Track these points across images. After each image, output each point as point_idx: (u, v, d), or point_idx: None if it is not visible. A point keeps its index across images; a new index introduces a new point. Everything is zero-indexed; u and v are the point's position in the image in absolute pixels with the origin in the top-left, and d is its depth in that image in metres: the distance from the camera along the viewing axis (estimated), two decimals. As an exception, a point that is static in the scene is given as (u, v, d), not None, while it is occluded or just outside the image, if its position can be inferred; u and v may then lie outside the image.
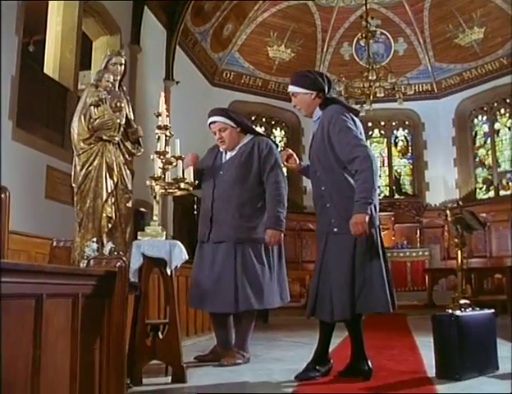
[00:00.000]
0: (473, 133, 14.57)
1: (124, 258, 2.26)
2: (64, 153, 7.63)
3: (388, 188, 15.23)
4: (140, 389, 3.00)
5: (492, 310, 3.53)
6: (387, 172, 15.32)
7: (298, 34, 14.33)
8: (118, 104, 3.43)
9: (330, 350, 3.46)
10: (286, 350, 4.66)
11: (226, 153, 4.11)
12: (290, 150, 3.59)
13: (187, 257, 3.36)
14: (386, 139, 15.49)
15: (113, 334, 2.19)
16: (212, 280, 3.87)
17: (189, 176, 3.37)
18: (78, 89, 8.34)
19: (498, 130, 14.13)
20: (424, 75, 14.69)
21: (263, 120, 14.84)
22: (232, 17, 13.23)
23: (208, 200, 4.01)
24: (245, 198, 3.93)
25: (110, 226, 3.33)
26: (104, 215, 3.32)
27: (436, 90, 14.79)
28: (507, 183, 13.79)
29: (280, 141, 15.10)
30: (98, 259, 2.27)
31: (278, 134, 15.14)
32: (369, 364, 3.24)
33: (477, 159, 14.45)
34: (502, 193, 13.79)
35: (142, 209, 8.72)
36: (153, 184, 3.26)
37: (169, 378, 3.25)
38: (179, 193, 3.42)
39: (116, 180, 3.38)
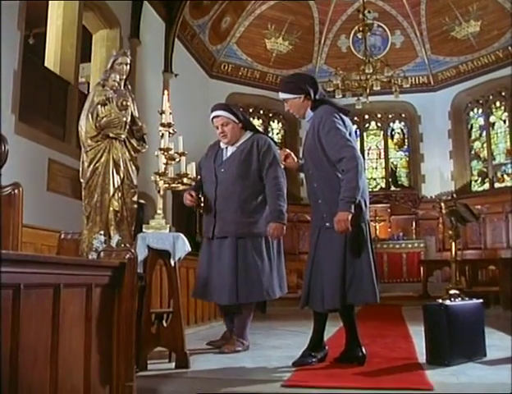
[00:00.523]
0: (469, 126, 14.67)
1: (132, 250, 2.40)
2: (65, 147, 7.77)
3: (384, 180, 15.36)
4: (146, 374, 3.15)
5: (481, 300, 3.70)
6: (384, 165, 15.44)
7: (295, 27, 14.41)
8: (124, 103, 3.56)
9: (326, 338, 3.63)
10: (284, 339, 4.82)
11: (226, 150, 4.24)
12: (288, 150, 3.73)
13: (190, 249, 3.51)
14: (382, 132, 15.59)
15: (123, 321, 2.33)
16: (214, 273, 4.03)
17: (192, 171, 3.52)
18: (78, 83, 8.47)
19: (493, 123, 14.24)
20: (421, 67, 14.78)
21: (261, 112, 14.94)
22: (230, 10, 13.30)
23: (211, 198, 4.14)
24: (246, 194, 4.07)
25: (117, 219, 3.47)
26: (111, 209, 3.47)
27: (432, 83, 14.89)
28: (502, 176, 13.93)
29: (277, 133, 15.22)
30: (108, 251, 2.41)
31: (276, 126, 15.25)
32: (363, 350, 3.40)
33: (473, 152, 14.56)
34: (497, 185, 13.92)
35: (141, 201, 8.85)
36: (158, 179, 3.42)
37: (173, 364, 3.41)
38: (182, 187, 3.57)
39: (122, 175, 3.53)
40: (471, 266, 10.07)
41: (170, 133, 3.54)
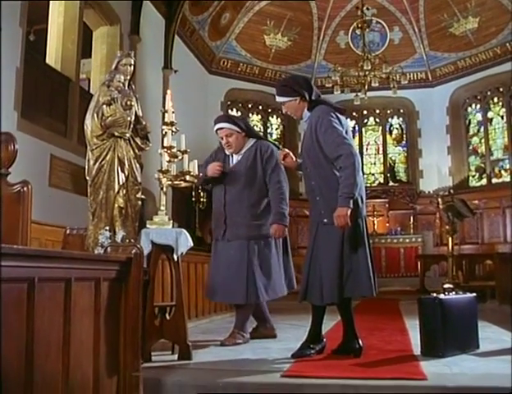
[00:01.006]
0: (467, 121, 14.77)
1: (139, 246, 2.51)
2: (67, 143, 7.86)
3: (383, 175, 15.45)
4: (150, 365, 3.26)
5: (474, 294, 3.80)
6: (382, 160, 15.54)
7: (294, 23, 14.47)
8: (128, 103, 3.66)
9: (324, 331, 3.73)
10: (283, 332, 4.92)
11: (232, 157, 4.43)
12: (286, 150, 3.85)
13: (192, 244, 3.62)
14: (380, 127, 15.68)
15: (129, 314, 2.44)
16: (226, 274, 4.22)
17: (194, 168, 3.62)
18: (79, 79, 8.55)
19: (491, 119, 14.33)
20: (419, 63, 14.86)
21: (260, 107, 15.01)
22: (230, 6, 13.36)
23: (219, 204, 4.36)
24: (254, 199, 4.28)
25: (121, 215, 3.58)
26: (116, 205, 3.57)
27: (430, 79, 14.97)
28: (499, 171, 14.04)
29: (276, 129, 15.31)
30: (115, 246, 2.51)
31: (275, 121, 15.33)
32: (360, 342, 3.51)
33: (471, 147, 14.66)
34: (494, 181, 14.03)
35: (142, 197, 8.95)
36: (161, 176, 3.52)
37: (175, 356, 3.52)
38: (184, 185, 3.67)
39: (127, 173, 3.63)
40: (468, 260, 10.18)
41: (173, 131, 3.63)
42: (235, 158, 4.41)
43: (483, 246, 13.27)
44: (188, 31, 12.31)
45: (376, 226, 13.84)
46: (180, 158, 3.59)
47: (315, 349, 3.53)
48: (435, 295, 3.55)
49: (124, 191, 3.60)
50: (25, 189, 2.68)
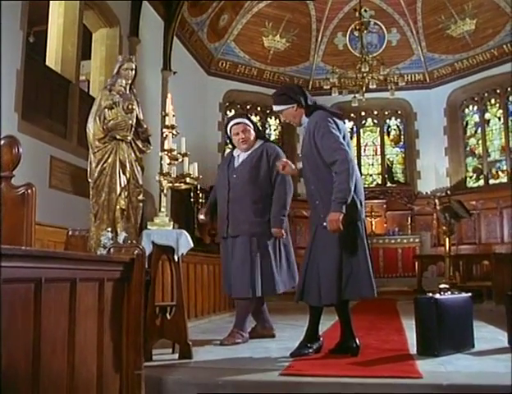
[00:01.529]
0: (464, 123, 14.83)
1: (141, 247, 2.57)
2: (67, 144, 7.91)
3: (380, 176, 15.51)
4: (151, 364, 3.32)
5: (469, 294, 3.87)
6: (380, 161, 15.60)
7: (293, 24, 14.52)
8: (130, 106, 3.72)
9: (321, 330, 3.80)
10: (282, 331, 4.98)
11: (238, 157, 4.55)
12: (285, 160, 3.96)
13: (192, 245, 3.69)
14: (378, 128, 15.73)
15: (132, 313, 2.50)
16: (231, 270, 4.36)
17: (194, 171, 3.68)
18: (79, 81, 8.60)
19: (488, 120, 14.38)
20: (417, 65, 14.92)
21: (258, 109, 15.05)
22: (228, 7, 13.41)
23: (223, 201, 4.47)
24: (257, 197, 4.38)
25: (123, 217, 3.64)
26: (118, 207, 3.64)
27: (428, 80, 15.03)
28: (496, 172, 14.10)
29: (275, 130, 15.36)
30: (118, 247, 2.57)
31: (273, 122, 15.38)
32: (357, 341, 3.58)
33: (468, 148, 14.71)
34: (492, 182, 14.08)
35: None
36: (162, 179, 3.58)
37: (176, 355, 3.58)
38: (184, 187, 3.74)
39: (128, 175, 3.70)
40: (465, 261, 10.24)
41: (173, 134, 3.69)
42: (241, 158, 4.53)
43: (480, 247, 13.32)
44: (187, 33, 12.37)
45: (374, 227, 13.91)
46: (180, 160, 3.66)
47: (313, 348, 3.60)
48: (430, 294, 3.61)
49: (125, 193, 3.67)
50: (29, 191, 2.73)
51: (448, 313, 3.53)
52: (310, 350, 3.57)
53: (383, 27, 14.64)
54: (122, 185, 3.65)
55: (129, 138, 3.73)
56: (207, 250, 8.15)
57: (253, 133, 4.52)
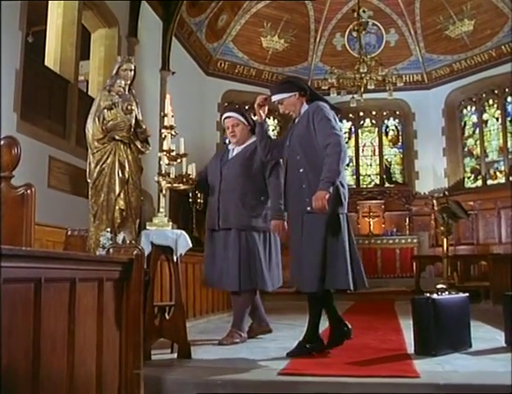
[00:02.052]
0: (462, 123, 14.85)
1: (140, 247, 2.58)
2: (65, 144, 7.92)
3: (379, 176, 15.53)
4: (150, 364, 3.32)
5: (467, 294, 3.89)
6: (378, 161, 15.61)
7: (291, 25, 14.54)
8: (129, 107, 3.73)
9: (321, 330, 3.81)
10: (279, 331, 4.99)
11: (232, 151, 4.53)
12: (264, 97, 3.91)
13: (191, 245, 3.70)
14: (377, 129, 15.76)
15: (131, 313, 2.51)
16: (219, 262, 4.31)
17: (193, 171, 3.70)
18: (78, 81, 8.61)
19: (486, 121, 14.41)
20: (415, 65, 14.96)
21: (257, 109, 15.04)
22: (227, 8, 13.44)
23: (215, 193, 4.42)
24: (248, 189, 4.33)
25: (122, 217, 3.66)
26: (117, 208, 3.65)
27: (426, 81, 15.06)
28: (494, 172, 14.14)
29: (273, 130, 15.36)
30: (117, 248, 2.58)
31: (271, 123, 15.38)
32: (347, 324, 3.64)
33: (466, 149, 14.74)
34: (490, 182, 14.12)
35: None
36: (160, 179, 3.60)
37: (174, 355, 3.60)
38: (183, 187, 3.75)
39: (127, 176, 3.71)
40: (463, 261, 10.27)
41: (172, 135, 3.71)
42: (235, 151, 4.51)
43: (478, 247, 13.34)
44: (185, 33, 12.39)
45: (372, 227, 13.93)
46: (178, 161, 3.67)
47: (311, 348, 3.61)
48: (428, 295, 3.63)
49: (124, 194, 3.68)
50: (29, 191, 2.75)
51: (445, 313, 3.55)
52: (308, 350, 3.59)
53: (381, 28, 14.67)
54: (121, 186, 3.67)
55: (128, 139, 3.75)
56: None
57: (245, 128, 4.47)
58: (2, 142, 2.72)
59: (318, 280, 3.47)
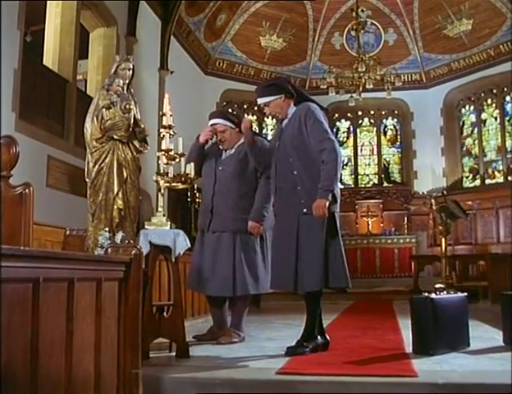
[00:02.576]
0: (461, 123, 14.86)
1: (138, 247, 2.58)
2: (64, 144, 7.92)
3: (377, 176, 15.54)
4: (149, 363, 3.33)
5: (465, 294, 3.89)
6: (376, 161, 15.62)
7: (290, 24, 14.54)
8: (127, 106, 3.74)
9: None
10: (278, 331, 5.00)
11: (225, 151, 4.47)
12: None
13: (189, 245, 3.70)
14: (375, 128, 15.76)
15: (129, 313, 2.51)
16: (211, 266, 4.24)
17: (191, 171, 3.70)
18: (77, 80, 8.61)
19: (485, 120, 14.42)
20: (413, 65, 14.96)
21: (255, 108, 15.04)
22: (225, 7, 13.43)
23: (208, 194, 4.37)
24: (243, 191, 4.29)
25: (121, 217, 3.66)
26: (115, 207, 3.65)
27: (424, 80, 15.07)
28: (493, 172, 14.15)
29: (271, 129, 15.37)
30: (116, 247, 2.59)
31: (270, 122, 15.39)
32: (327, 336, 3.71)
33: (465, 148, 14.76)
34: (488, 182, 14.12)
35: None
36: (159, 179, 3.59)
37: (173, 354, 3.60)
38: (181, 186, 3.75)
39: (125, 175, 3.71)
40: (461, 261, 10.29)
41: (170, 134, 3.71)
42: (229, 152, 4.44)
43: (477, 247, 13.35)
44: (184, 32, 12.38)
45: (370, 227, 13.94)
46: (177, 160, 3.67)
47: (308, 347, 3.62)
48: (426, 294, 3.64)
49: (123, 193, 3.68)
50: (27, 191, 2.75)
51: (444, 313, 3.56)
52: (306, 350, 3.59)
53: (380, 27, 14.68)
54: (119, 185, 3.67)
55: (126, 138, 3.75)
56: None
57: (233, 131, 4.38)
58: (1, 141, 2.72)
59: (321, 278, 3.48)
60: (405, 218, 14.26)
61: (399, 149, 15.61)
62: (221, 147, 4.47)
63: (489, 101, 14.33)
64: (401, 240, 13.82)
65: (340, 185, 3.78)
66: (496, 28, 13.29)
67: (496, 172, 14.06)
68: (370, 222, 13.95)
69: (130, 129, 3.78)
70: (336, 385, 2.81)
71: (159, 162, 3.63)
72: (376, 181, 15.52)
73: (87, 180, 3.66)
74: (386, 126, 15.76)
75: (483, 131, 14.41)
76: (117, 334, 2.47)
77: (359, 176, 15.61)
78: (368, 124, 15.84)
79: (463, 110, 14.86)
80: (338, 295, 7.98)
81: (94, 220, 3.61)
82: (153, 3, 10.79)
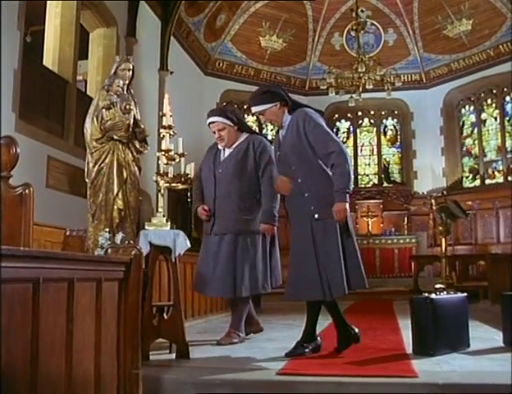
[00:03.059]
0: (461, 123, 14.87)
1: (138, 247, 2.58)
2: (64, 144, 7.92)
3: (377, 176, 15.55)
4: (149, 364, 3.33)
5: (465, 294, 3.89)
6: (376, 161, 15.63)
7: (290, 24, 14.55)
8: (127, 107, 3.74)
9: (320, 330, 3.82)
10: (278, 331, 5.00)
11: (224, 151, 4.42)
12: (281, 177, 3.76)
13: (189, 245, 3.70)
14: (375, 128, 15.77)
15: (129, 313, 2.51)
16: (214, 268, 4.24)
17: (191, 171, 3.70)
18: (76, 81, 8.61)
19: (485, 120, 14.43)
20: (413, 65, 14.97)
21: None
22: (225, 7, 13.43)
23: (209, 197, 4.34)
24: (243, 192, 4.27)
25: (121, 217, 3.66)
26: (115, 207, 3.65)
27: (424, 80, 15.08)
28: (493, 172, 14.15)
29: (271, 130, 15.37)
30: (116, 248, 2.59)
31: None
32: (354, 328, 3.70)
33: (464, 149, 14.77)
34: (488, 182, 14.13)
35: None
36: (159, 179, 3.60)
37: (173, 355, 3.60)
38: (181, 187, 3.75)
39: (125, 175, 3.71)
40: (461, 261, 10.28)
41: (170, 135, 3.71)
42: (227, 152, 4.39)
43: (477, 247, 13.35)
44: (184, 33, 12.38)
45: (370, 227, 13.94)
46: (177, 160, 3.67)
47: (308, 348, 3.61)
48: (426, 294, 3.64)
49: (123, 193, 3.68)
50: (27, 191, 2.74)
51: (444, 313, 3.55)
52: (306, 350, 3.58)
53: (380, 27, 14.69)
54: (120, 185, 3.67)
55: (126, 138, 3.75)
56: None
57: (231, 129, 4.33)
58: (1, 141, 2.72)
59: (344, 283, 3.46)
60: (405, 218, 14.27)
61: (399, 149, 15.62)
62: (219, 146, 4.43)
63: (489, 101, 14.34)
64: (401, 241, 13.82)
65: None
66: (496, 28, 13.30)
67: (496, 172, 14.07)
68: (370, 223, 13.95)
69: (130, 129, 3.78)
70: (336, 385, 2.81)
71: (159, 162, 3.64)
72: (376, 181, 15.53)
73: (87, 180, 3.66)
74: (386, 126, 15.77)
75: (483, 131, 14.41)
76: (117, 334, 2.47)
77: (359, 177, 15.62)
78: (368, 124, 15.85)
79: (463, 110, 14.86)
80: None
81: (94, 220, 3.61)
82: (153, 3, 10.80)
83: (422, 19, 14.23)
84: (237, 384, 2.88)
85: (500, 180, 13.77)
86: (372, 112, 15.62)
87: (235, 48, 14.37)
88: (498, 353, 3.58)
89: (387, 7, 14.34)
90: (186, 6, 11.96)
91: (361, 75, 11.93)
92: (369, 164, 15.75)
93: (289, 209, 3.75)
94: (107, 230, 3.45)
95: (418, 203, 14.18)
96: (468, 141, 14.74)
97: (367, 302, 8.94)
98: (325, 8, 14.45)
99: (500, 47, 13.35)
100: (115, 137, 3.67)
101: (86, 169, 3.69)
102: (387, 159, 15.68)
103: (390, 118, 15.73)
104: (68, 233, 3.73)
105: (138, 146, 3.86)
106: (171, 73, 11.24)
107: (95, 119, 3.63)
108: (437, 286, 3.83)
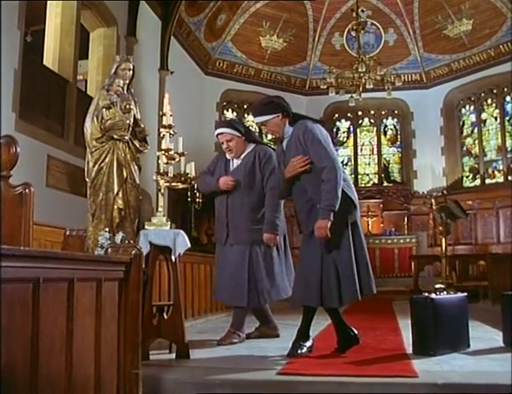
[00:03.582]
0: (461, 122, 14.86)
1: (138, 247, 2.58)
2: (64, 143, 7.92)
3: (377, 176, 15.53)
4: (149, 363, 3.32)
5: (465, 294, 3.89)
6: (376, 160, 15.62)
7: (290, 24, 14.54)
8: (127, 106, 3.74)
9: (317, 331, 3.83)
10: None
11: (232, 161, 4.48)
12: None
13: (189, 245, 3.70)
14: (375, 128, 15.75)
15: (129, 313, 2.51)
16: (228, 277, 4.32)
17: (191, 170, 3.70)
18: (77, 80, 8.61)
19: (485, 120, 14.42)
20: (413, 65, 14.96)
21: (255, 109, 15.03)
22: (226, 7, 13.42)
23: (222, 208, 4.42)
24: (254, 204, 4.35)
25: (121, 217, 3.66)
26: (115, 207, 3.65)
27: (425, 80, 15.07)
28: (493, 172, 14.15)
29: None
30: (116, 248, 2.59)
31: (270, 122, 15.37)
32: (353, 330, 3.68)
33: (465, 148, 14.76)
34: (488, 181, 14.12)
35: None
36: (159, 178, 3.60)
37: (173, 355, 3.60)
38: (181, 186, 3.75)
39: (125, 175, 3.72)
40: (461, 261, 10.29)
41: (170, 134, 3.71)
42: (236, 163, 4.46)
43: (477, 247, 13.33)
44: (184, 32, 12.37)
45: (370, 227, 13.92)
46: (177, 160, 3.67)
47: (306, 346, 3.65)
48: (426, 294, 3.64)
49: (123, 193, 3.69)
50: (27, 191, 2.74)
51: (444, 313, 3.55)
52: (304, 349, 3.62)
53: (380, 27, 14.68)
54: (120, 185, 3.67)
55: (126, 137, 3.75)
56: (204, 250, 8.17)
57: (239, 140, 4.38)
58: (1, 141, 2.71)
59: (357, 287, 3.49)
60: (405, 218, 14.26)
61: (399, 149, 15.61)
62: (227, 156, 4.49)
63: (489, 101, 14.33)
64: (401, 240, 13.80)
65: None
66: (497, 28, 13.29)
67: (496, 172, 14.06)
68: (370, 222, 13.93)
69: (130, 129, 3.78)
70: (337, 385, 2.81)
71: (159, 161, 3.63)
72: (376, 181, 15.51)
73: (87, 179, 3.66)
74: (386, 126, 15.76)
75: (483, 131, 14.40)
76: (117, 334, 2.47)
77: (359, 176, 15.61)
78: (368, 124, 15.85)
79: (463, 110, 14.86)
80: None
81: (94, 220, 3.61)
82: (153, 3, 10.79)
83: (423, 19, 14.22)
84: (237, 384, 2.88)
85: (501, 179, 13.76)
86: (372, 112, 15.61)
87: (235, 47, 14.36)
88: (498, 353, 3.58)
89: (387, 7, 14.33)
90: (186, 6, 11.95)
91: (361, 74, 11.93)
92: (369, 164, 15.74)
93: (300, 222, 3.78)
94: (107, 229, 3.45)
95: (418, 202, 14.16)
96: (469, 141, 14.73)
97: (367, 302, 8.92)
98: (325, 8, 14.44)
99: (501, 47, 13.34)
100: (115, 136, 3.67)
101: (86, 168, 3.69)
102: (387, 159, 15.67)
103: (390, 118, 15.72)
104: (68, 233, 3.73)
105: (138, 145, 3.86)
106: (172, 73, 11.24)
107: (95, 118, 3.63)
108: (437, 285, 3.83)
